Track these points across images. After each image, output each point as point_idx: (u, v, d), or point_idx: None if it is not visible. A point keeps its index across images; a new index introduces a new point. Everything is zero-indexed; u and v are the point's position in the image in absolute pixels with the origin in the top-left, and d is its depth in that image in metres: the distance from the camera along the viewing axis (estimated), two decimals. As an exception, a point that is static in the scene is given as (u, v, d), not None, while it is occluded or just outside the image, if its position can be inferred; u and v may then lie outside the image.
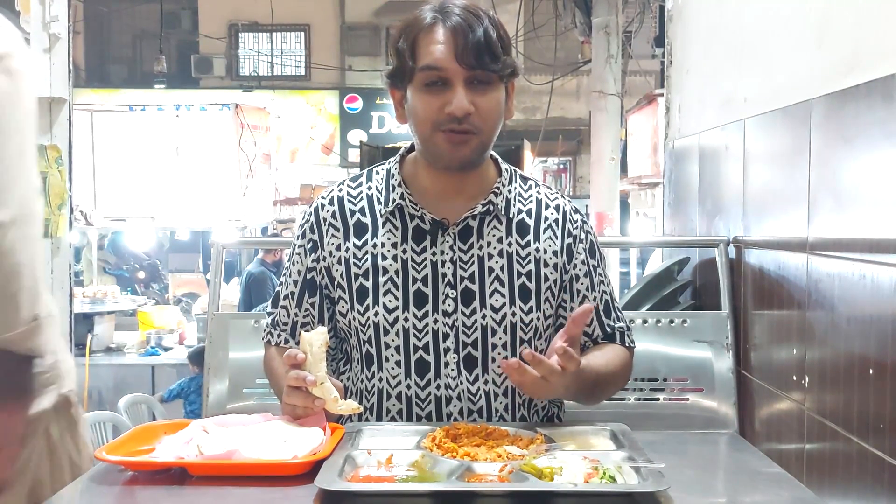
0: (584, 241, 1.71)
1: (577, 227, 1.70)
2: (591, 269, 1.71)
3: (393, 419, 1.63)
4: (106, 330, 7.38)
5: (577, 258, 1.69)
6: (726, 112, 2.29)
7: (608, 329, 1.71)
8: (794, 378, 1.80)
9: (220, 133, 8.03)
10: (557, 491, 1.22)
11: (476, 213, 1.63)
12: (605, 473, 1.26)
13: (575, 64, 9.95)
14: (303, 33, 14.77)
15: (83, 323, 6.64)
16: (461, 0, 1.58)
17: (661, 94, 3.95)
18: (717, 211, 2.37)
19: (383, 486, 1.26)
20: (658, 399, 2.17)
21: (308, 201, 10.56)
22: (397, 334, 1.61)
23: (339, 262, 1.65)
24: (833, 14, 1.69)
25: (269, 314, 1.76)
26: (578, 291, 1.69)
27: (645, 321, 2.21)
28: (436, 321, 1.61)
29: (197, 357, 6.50)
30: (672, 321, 2.22)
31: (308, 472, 1.29)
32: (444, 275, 1.61)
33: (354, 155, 12.33)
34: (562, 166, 16.26)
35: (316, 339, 1.47)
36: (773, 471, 1.45)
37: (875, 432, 1.45)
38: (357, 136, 13.44)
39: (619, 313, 1.76)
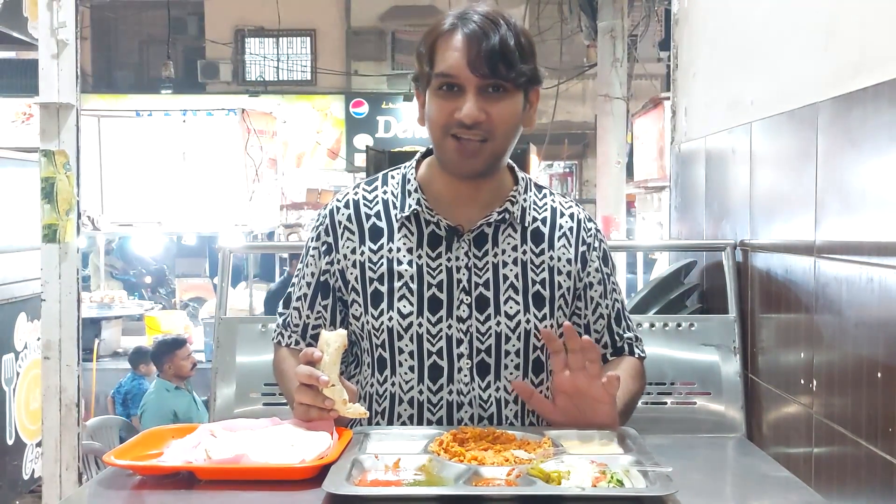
0: (598, 250, 1.71)
1: (591, 236, 1.70)
2: (605, 276, 1.71)
3: (404, 424, 1.62)
4: (113, 335, 7.40)
5: (591, 266, 1.69)
6: (733, 115, 2.29)
7: (617, 338, 1.70)
8: (802, 382, 1.79)
9: (226, 138, 8.05)
10: (565, 495, 1.22)
11: (492, 220, 1.62)
12: (612, 477, 1.25)
13: (581, 68, 9.97)
14: (309, 38, 14.81)
15: (90, 328, 6.65)
16: (485, 6, 1.55)
17: (667, 98, 3.95)
18: (723, 214, 2.36)
19: (391, 490, 1.26)
20: (666, 403, 2.17)
21: (314, 205, 10.57)
22: (411, 339, 1.60)
23: (353, 265, 1.65)
24: (840, 17, 1.68)
25: (281, 315, 1.76)
26: (592, 299, 1.68)
27: (652, 325, 2.21)
28: (450, 327, 1.60)
29: (135, 358, 6.28)
30: (679, 325, 2.21)
31: (316, 476, 1.29)
32: (459, 281, 1.61)
33: (360, 159, 12.35)
34: (567, 170, 16.27)
35: (334, 341, 1.46)
36: (782, 475, 1.44)
37: (883, 436, 1.44)
38: (363, 140, 13.45)
39: (629, 322, 1.75)
